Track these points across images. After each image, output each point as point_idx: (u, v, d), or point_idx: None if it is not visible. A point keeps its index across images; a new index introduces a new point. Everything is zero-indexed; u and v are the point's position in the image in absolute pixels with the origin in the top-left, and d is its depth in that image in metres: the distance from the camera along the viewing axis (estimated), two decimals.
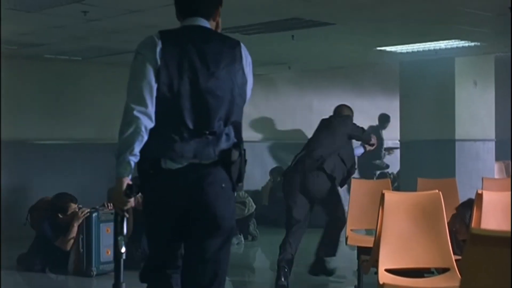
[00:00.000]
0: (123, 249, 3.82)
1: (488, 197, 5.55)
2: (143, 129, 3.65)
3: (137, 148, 3.69)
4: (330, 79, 17.24)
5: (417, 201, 5.57)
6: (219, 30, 3.97)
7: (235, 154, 3.81)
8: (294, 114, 16.99)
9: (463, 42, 11.96)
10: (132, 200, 3.78)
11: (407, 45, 12.44)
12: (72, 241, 9.46)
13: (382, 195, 5.49)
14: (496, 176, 14.97)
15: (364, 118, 17.94)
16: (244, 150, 3.92)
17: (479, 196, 5.61)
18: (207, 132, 3.75)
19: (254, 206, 13.39)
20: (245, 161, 3.92)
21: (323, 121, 9.13)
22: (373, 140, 9.22)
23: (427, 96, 14.30)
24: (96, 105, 14.25)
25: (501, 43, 12.16)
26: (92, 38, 11.02)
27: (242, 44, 3.90)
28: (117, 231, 3.85)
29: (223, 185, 3.83)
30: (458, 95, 14.13)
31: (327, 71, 16.70)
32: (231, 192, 3.90)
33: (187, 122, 3.70)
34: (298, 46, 12.13)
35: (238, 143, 3.87)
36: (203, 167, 3.76)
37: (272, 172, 15.67)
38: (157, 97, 3.68)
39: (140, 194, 3.95)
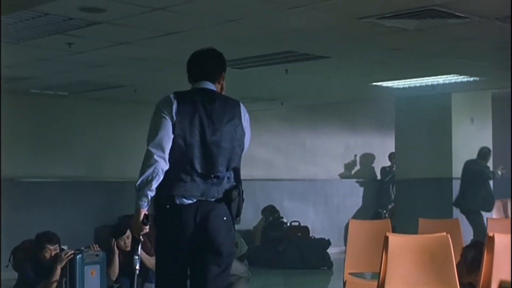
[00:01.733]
0: (137, 266, 4.81)
1: (500, 240, 5.13)
2: (160, 170, 4.43)
3: (154, 185, 4.43)
4: (324, 115, 16.89)
5: (424, 244, 5.17)
6: (223, 91, 4.78)
7: (234, 194, 4.64)
8: (287, 151, 16.62)
9: (461, 77, 11.63)
10: (147, 227, 4.56)
11: (403, 80, 12.11)
12: (55, 284, 9.00)
13: (386, 238, 5.09)
14: (494, 215, 14.65)
15: (358, 155, 17.66)
16: (242, 190, 4.72)
17: (490, 239, 5.20)
18: (212, 176, 4.57)
19: (246, 247, 12.91)
20: (243, 199, 4.74)
21: None
22: None
23: (423, 132, 14.00)
24: (84, 142, 13.84)
25: (499, 78, 11.85)
26: (78, 71, 10.64)
27: (241, 104, 4.73)
28: (134, 252, 4.83)
29: (225, 218, 4.66)
30: (455, 132, 13.85)
31: (320, 108, 16.36)
32: (231, 225, 4.74)
33: (196, 167, 4.51)
34: (292, 80, 11.78)
35: (237, 185, 4.69)
36: (209, 203, 4.60)
37: (264, 211, 15.24)
38: (172, 146, 4.47)
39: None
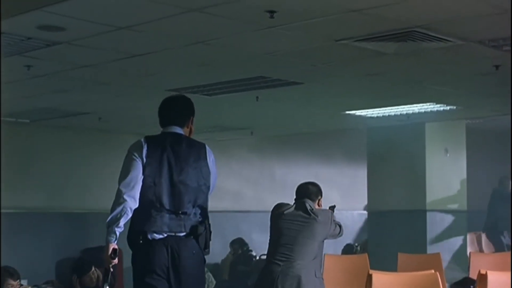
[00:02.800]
0: None
1: (494, 278, 4.70)
2: (128, 209, 4.84)
3: (122, 223, 4.85)
4: (294, 145, 16.54)
5: (411, 283, 4.72)
6: (192, 134, 5.17)
7: (201, 229, 4.99)
8: (256, 182, 16.22)
9: (437, 105, 11.29)
10: (116, 260, 4.94)
11: (377, 109, 11.74)
12: None
13: (369, 276, 4.64)
14: (468, 249, 14.39)
15: (330, 187, 17.30)
16: (209, 224, 5.08)
17: (483, 277, 4.76)
18: (180, 212, 4.94)
19: (214, 282, 12.43)
20: (210, 232, 5.12)
21: None
22: None
23: (397, 163, 13.66)
24: (46, 171, 13.32)
25: (476, 107, 11.55)
26: (39, 97, 10.15)
27: (206, 146, 5.11)
28: (104, 280, 5.12)
29: (194, 251, 5.03)
30: (429, 163, 13.53)
31: (291, 137, 16.00)
32: (200, 257, 5.11)
33: (165, 204, 4.90)
34: (263, 108, 11.37)
35: (204, 220, 5.06)
36: (178, 238, 4.97)
37: (233, 244, 14.76)
38: (143, 186, 4.88)
39: None
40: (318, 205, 6.49)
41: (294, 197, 6.61)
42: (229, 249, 14.85)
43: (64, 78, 8.86)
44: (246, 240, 14.88)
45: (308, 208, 6.34)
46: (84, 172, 13.64)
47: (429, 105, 11.25)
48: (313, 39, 7.04)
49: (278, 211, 6.46)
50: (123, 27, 6.59)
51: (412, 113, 11.97)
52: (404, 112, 11.92)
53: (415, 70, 8.64)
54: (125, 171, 4.96)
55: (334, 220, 6.46)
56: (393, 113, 12.04)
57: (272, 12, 6.01)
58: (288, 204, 6.49)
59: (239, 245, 14.61)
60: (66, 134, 13.47)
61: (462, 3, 5.90)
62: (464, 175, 14.00)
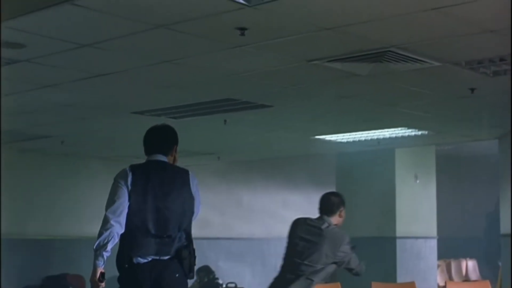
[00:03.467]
0: None
1: None
2: (115, 234, 5.01)
3: (109, 247, 5.00)
4: (262, 171, 16.34)
5: None
6: (176, 162, 5.34)
7: (185, 253, 5.15)
8: (223, 208, 15.95)
9: (409, 130, 11.09)
10: (103, 283, 5.07)
11: (347, 134, 11.52)
12: None
13: None
14: (439, 277, 14.27)
15: (297, 214, 17.03)
16: (194, 249, 5.22)
17: None
18: (165, 236, 5.10)
19: None
20: (195, 257, 5.25)
21: None
22: None
23: (366, 190, 13.48)
24: (7, 196, 12.89)
25: (448, 132, 11.38)
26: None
27: (190, 172, 5.26)
28: None
29: (177, 274, 5.16)
30: (398, 189, 13.38)
31: (259, 163, 15.78)
32: (184, 281, 5.26)
33: (150, 229, 5.07)
34: (231, 132, 11.10)
35: (188, 244, 5.21)
36: (162, 261, 5.14)
37: (199, 271, 14.42)
38: (129, 212, 5.06)
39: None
40: (340, 216, 6.43)
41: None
42: (195, 277, 14.51)
43: (25, 99, 8.53)
44: (213, 268, 14.64)
45: (324, 226, 6.28)
46: (46, 197, 13.31)
47: (401, 129, 11.05)
48: (285, 59, 6.79)
49: (295, 225, 6.49)
50: (86, 45, 6.29)
51: (383, 138, 11.77)
52: (375, 137, 11.72)
53: (388, 93, 8.43)
54: (112, 198, 5.12)
55: (352, 254, 6.38)
56: (363, 138, 11.83)
57: (243, 29, 5.75)
58: (308, 219, 6.47)
59: (205, 273, 14.33)
60: (28, 157, 13.11)
61: (439, 23, 5.67)
62: (434, 201, 13.85)
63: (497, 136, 11.94)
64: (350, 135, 11.56)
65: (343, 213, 6.42)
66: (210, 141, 12.17)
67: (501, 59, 6.79)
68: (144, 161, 5.36)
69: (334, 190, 14.25)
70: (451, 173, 15.54)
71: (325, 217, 6.36)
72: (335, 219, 6.40)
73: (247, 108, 9.14)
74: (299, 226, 6.40)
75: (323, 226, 6.28)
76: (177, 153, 5.43)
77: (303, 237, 6.31)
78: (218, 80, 7.70)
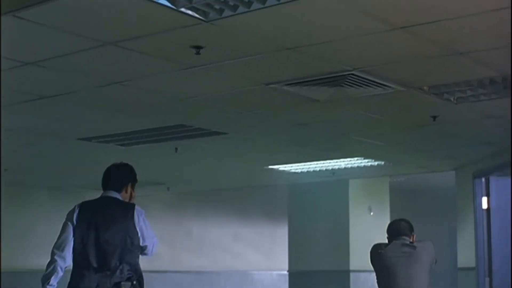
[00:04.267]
0: None
1: None
2: (59, 268, 5.23)
3: (53, 281, 5.22)
4: (213, 202, 16.01)
5: None
6: (133, 199, 5.44)
7: (126, 285, 5.23)
8: (172, 240, 15.55)
9: (365, 161, 10.81)
10: None
11: (302, 164, 11.20)
12: None
13: None
14: None
15: (248, 246, 16.73)
16: (139, 280, 5.29)
17: None
18: (105, 269, 5.22)
19: None
20: None
21: None
22: None
23: (319, 222, 13.23)
24: None
25: (405, 162, 11.14)
26: None
27: (136, 207, 5.32)
28: None
29: None
30: (352, 221, 13.13)
31: (210, 193, 15.42)
32: None
33: (92, 263, 5.23)
34: (182, 162, 10.71)
35: (130, 277, 5.26)
36: None
37: None
38: (74, 246, 5.25)
39: None
40: (412, 242, 6.19)
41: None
42: None
43: None
44: None
45: (408, 241, 6.09)
46: None
47: (357, 159, 10.76)
48: (242, 82, 6.43)
49: (378, 251, 6.23)
50: (29, 63, 5.85)
51: (338, 169, 11.48)
52: (330, 168, 11.42)
53: (346, 120, 8.13)
54: (59, 235, 5.34)
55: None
56: (318, 169, 11.52)
57: (198, 47, 5.37)
58: (385, 243, 6.24)
59: None
60: None
61: (406, 43, 5.37)
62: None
63: (454, 168, 11.73)
64: (304, 165, 11.24)
65: (414, 238, 6.21)
66: (160, 170, 11.75)
67: (467, 84, 6.52)
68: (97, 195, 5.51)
69: (286, 222, 14.01)
70: (405, 206, 15.28)
71: (402, 236, 6.17)
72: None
73: (200, 135, 8.76)
74: (384, 250, 6.17)
75: (408, 241, 6.11)
76: (134, 190, 5.52)
77: (398, 257, 6.09)
78: (170, 104, 7.30)
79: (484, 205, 10.74)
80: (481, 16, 4.76)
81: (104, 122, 8.12)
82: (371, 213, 13.49)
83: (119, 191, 5.40)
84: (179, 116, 7.86)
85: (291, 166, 11.38)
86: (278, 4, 4.51)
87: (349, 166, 11.21)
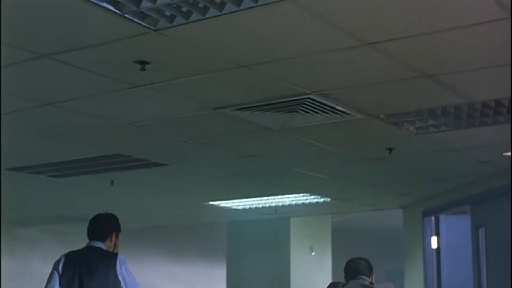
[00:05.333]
0: None
1: None
2: None
3: None
4: (148, 240, 15.38)
5: None
6: (116, 248, 5.62)
7: None
8: None
9: (311, 197, 10.37)
10: None
11: (244, 200, 10.67)
12: None
13: None
14: None
15: (184, 287, 16.13)
16: None
17: None
18: None
19: None
20: None
21: None
22: None
23: (259, 262, 12.79)
24: None
25: (352, 199, 10.71)
26: None
27: (119, 256, 5.49)
28: None
29: None
30: (293, 261, 12.72)
31: (144, 231, 14.77)
32: None
33: None
34: (117, 196, 10.09)
35: None
36: None
37: None
38: None
39: None
40: (371, 283, 5.88)
41: (344, 274, 5.94)
42: None
43: None
44: None
45: (367, 282, 5.77)
46: None
47: (302, 196, 10.28)
48: (189, 105, 5.85)
49: None
50: None
51: (282, 206, 10.98)
52: (273, 204, 10.92)
53: (296, 152, 7.63)
54: (45, 284, 5.50)
55: None
56: (261, 205, 11.02)
57: (143, 63, 4.80)
58: (343, 282, 5.94)
59: None
60: None
61: (370, 64, 4.90)
62: (329, 274, 13.28)
63: (402, 206, 11.35)
64: (247, 201, 10.72)
65: (374, 280, 5.94)
66: (94, 205, 11.01)
67: (431, 112, 6.09)
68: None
69: (224, 262, 13.50)
70: (347, 246, 14.92)
71: (362, 276, 5.82)
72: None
73: (138, 166, 8.18)
74: None
75: (368, 283, 5.77)
76: (118, 240, 5.72)
77: None
78: (108, 131, 6.68)
79: (434, 245, 10.39)
80: (459, 33, 4.32)
81: (35, 150, 7.47)
82: (313, 253, 13.16)
83: (103, 240, 5.62)
84: (117, 144, 7.26)
85: (233, 203, 10.85)
86: (237, 11, 3.99)
87: (294, 203, 10.74)
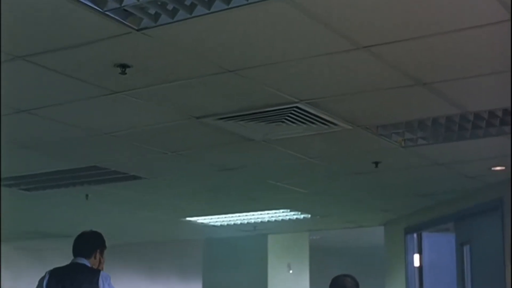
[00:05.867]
0: None
1: None
2: None
3: None
4: (122, 258, 15.03)
5: None
6: (101, 265, 5.79)
7: None
8: None
9: (291, 213, 10.11)
10: None
11: (223, 216, 10.40)
12: None
13: None
14: None
15: None
16: None
17: None
18: None
19: None
20: None
21: None
22: None
23: (236, 280, 12.51)
24: None
25: (332, 215, 10.46)
26: None
27: (102, 272, 5.65)
28: None
29: None
30: (271, 280, 12.45)
31: (120, 248, 14.40)
32: None
33: None
34: (92, 210, 9.77)
35: None
36: None
37: None
38: None
39: None
40: None
41: None
42: None
43: None
44: None
45: None
46: None
47: (282, 212, 10.02)
48: (170, 114, 5.58)
49: None
50: None
51: (261, 222, 10.71)
52: (252, 221, 10.65)
53: (279, 165, 7.38)
54: None
55: None
56: (239, 222, 10.75)
57: (124, 66, 4.53)
58: None
59: None
60: None
61: (363, 70, 4.68)
62: None
63: (384, 223, 11.12)
64: (225, 217, 10.45)
65: None
66: (68, 220, 10.74)
67: (421, 123, 5.87)
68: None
69: (200, 279, 13.20)
70: (325, 264, 14.72)
71: None
72: None
73: (114, 180, 7.88)
74: None
75: None
76: (102, 257, 5.85)
77: None
78: (85, 141, 6.38)
79: (416, 263, 10.17)
80: (459, 36, 4.10)
81: (7, 161, 7.16)
82: (290, 271, 12.92)
83: (87, 257, 5.74)
84: (93, 155, 6.97)
85: (211, 219, 10.57)
86: (226, 9, 3.74)
87: (273, 219, 10.48)
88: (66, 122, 5.84)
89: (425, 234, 10.14)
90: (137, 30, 4.00)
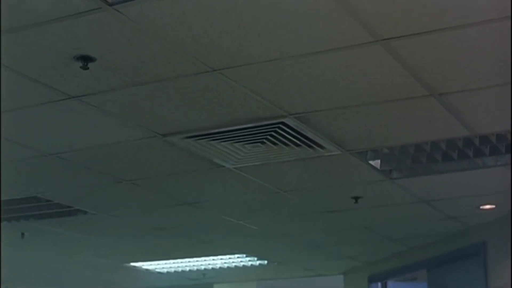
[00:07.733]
0: None
1: None
2: None
3: None
4: None
5: None
6: None
7: None
8: None
9: (247, 258, 9.31)
10: None
11: (172, 261, 9.50)
12: None
13: None
14: None
15: None
16: None
17: None
18: None
19: None
20: None
21: None
22: None
23: None
24: None
25: (291, 262, 9.66)
26: None
27: None
28: None
29: None
30: None
31: None
32: None
33: None
34: (27, 251, 8.77)
35: None
36: None
37: None
38: None
39: None
40: None
41: None
42: None
43: None
44: None
45: None
46: None
47: (238, 257, 9.18)
48: (132, 129, 4.70)
49: None
50: None
51: (212, 269, 9.84)
52: (202, 267, 9.76)
53: (243, 199, 6.56)
54: None
55: None
56: (188, 268, 9.84)
57: (87, 59, 3.66)
58: None
59: None
60: None
61: (374, 71, 3.95)
62: None
63: (344, 271, 10.33)
64: (174, 262, 9.54)
65: None
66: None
67: (418, 149, 5.14)
68: None
69: None
70: None
71: None
72: None
73: (56, 214, 6.94)
74: None
75: None
76: None
77: None
78: (25, 163, 5.45)
79: None
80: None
81: None
82: None
83: None
84: (33, 183, 6.01)
85: (157, 264, 9.64)
86: None
87: (226, 265, 9.60)
88: (9, 138, 4.90)
89: (390, 284, 9.39)
90: (109, 5, 3.18)
